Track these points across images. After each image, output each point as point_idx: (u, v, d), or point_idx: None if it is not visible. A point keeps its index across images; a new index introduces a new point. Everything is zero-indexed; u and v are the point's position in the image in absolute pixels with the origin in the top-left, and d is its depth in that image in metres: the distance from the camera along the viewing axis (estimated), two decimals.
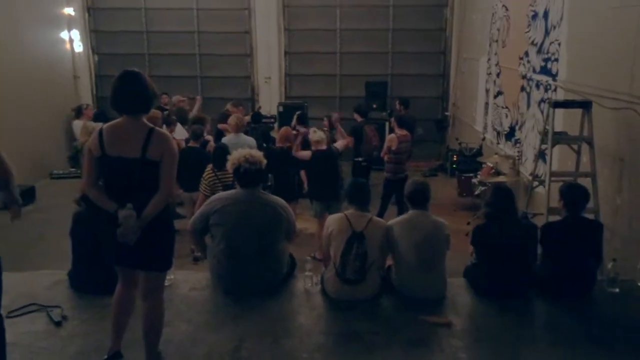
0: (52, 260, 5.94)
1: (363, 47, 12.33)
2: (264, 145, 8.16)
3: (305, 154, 6.84)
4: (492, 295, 4.13)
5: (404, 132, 7.48)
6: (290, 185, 6.98)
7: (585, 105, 5.24)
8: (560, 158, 5.93)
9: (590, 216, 4.81)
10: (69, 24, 11.76)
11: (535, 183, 6.01)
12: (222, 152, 5.76)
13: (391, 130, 8.25)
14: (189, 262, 6.09)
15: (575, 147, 5.56)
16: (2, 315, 3.06)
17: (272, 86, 12.44)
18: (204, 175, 5.99)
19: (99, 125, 3.49)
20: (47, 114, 10.65)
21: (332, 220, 4.24)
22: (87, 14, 12.34)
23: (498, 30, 9.16)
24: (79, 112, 10.18)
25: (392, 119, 7.91)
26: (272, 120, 10.80)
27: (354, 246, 4.01)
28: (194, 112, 9.72)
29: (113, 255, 3.15)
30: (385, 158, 7.44)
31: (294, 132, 7.80)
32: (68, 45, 11.81)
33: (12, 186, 3.64)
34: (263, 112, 10.90)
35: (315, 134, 6.84)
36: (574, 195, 4.26)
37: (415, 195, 4.24)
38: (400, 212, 7.11)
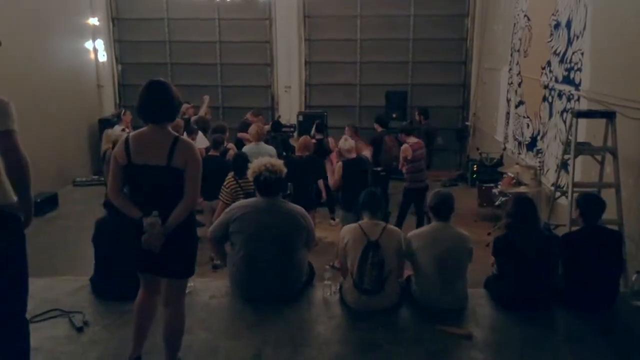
0: (74, 266, 6.04)
1: (383, 57, 12.31)
2: (284, 154, 8.19)
3: (339, 167, 6.77)
4: (513, 306, 4.09)
5: (414, 139, 7.43)
6: (309, 194, 6.99)
7: (608, 116, 5.17)
8: (583, 169, 5.85)
9: (614, 227, 4.73)
10: (94, 34, 11.97)
11: (558, 194, 5.93)
12: (242, 160, 5.81)
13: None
14: (209, 270, 6.12)
15: (598, 157, 5.49)
16: (27, 319, 3.10)
17: (292, 95, 12.48)
18: (225, 183, 6.01)
19: (122, 134, 3.53)
20: (71, 122, 10.85)
21: (347, 230, 4.23)
22: (111, 24, 12.55)
23: (520, 40, 9.10)
24: (118, 118, 10.40)
25: (400, 134, 7.81)
26: (292, 129, 10.86)
27: (369, 255, 3.99)
28: (201, 112, 9.84)
29: (137, 262, 3.19)
30: (404, 169, 7.39)
31: (313, 141, 7.82)
32: (92, 55, 12.01)
33: (27, 182, 2.88)
34: (283, 121, 10.94)
35: (346, 143, 6.82)
36: (589, 204, 4.23)
37: (439, 207, 4.20)
38: (419, 222, 7.07)
